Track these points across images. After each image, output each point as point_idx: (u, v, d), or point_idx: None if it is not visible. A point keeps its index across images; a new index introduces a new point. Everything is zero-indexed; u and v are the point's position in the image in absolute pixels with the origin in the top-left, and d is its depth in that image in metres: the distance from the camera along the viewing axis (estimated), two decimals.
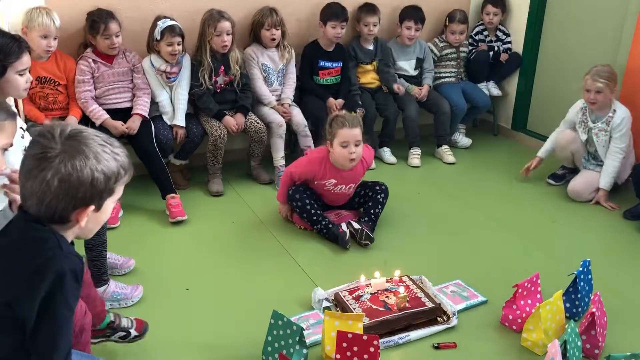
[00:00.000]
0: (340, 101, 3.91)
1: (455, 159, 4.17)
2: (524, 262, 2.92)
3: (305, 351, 2.17)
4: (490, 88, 4.51)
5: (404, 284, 2.59)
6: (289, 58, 3.83)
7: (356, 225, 3.08)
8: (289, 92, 3.85)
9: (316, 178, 3.13)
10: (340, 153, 3.01)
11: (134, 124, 3.31)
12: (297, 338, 2.10)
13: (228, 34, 3.53)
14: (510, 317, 2.43)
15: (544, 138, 4.37)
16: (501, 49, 4.48)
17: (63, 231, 1.43)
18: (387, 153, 4.19)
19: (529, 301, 2.44)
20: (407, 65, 4.25)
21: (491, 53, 4.45)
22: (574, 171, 3.76)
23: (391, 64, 4.19)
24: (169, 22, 3.38)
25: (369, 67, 4.14)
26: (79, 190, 1.35)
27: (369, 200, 3.24)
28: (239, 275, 2.79)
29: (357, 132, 2.99)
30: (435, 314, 2.46)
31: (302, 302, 2.57)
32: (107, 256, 2.63)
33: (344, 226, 3.11)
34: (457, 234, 3.22)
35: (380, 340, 2.12)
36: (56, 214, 1.38)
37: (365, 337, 2.05)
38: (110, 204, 1.47)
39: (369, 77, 4.17)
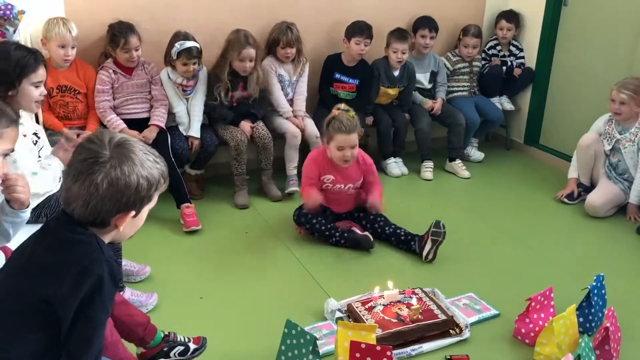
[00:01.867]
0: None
1: (469, 173, 4.18)
2: (537, 276, 2.92)
3: None
4: (503, 102, 4.53)
5: (417, 296, 2.60)
6: (301, 71, 3.87)
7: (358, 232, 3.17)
8: (300, 103, 3.87)
9: (319, 175, 3.17)
10: (335, 154, 3.08)
11: (150, 134, 3.36)
12: (311, 348, 2.11)
13: (251, 61, 3.56)
14: (523, 330, 2.43)
15: (556, 153, 4.41)
16: (514, 63, 4.50)
17: (101, 235, 1.49)
18: (393, 165, 4.18)
19: (542, 315, 2.44)
20: (422, 78, 4.27)
21: (504, 68, 4.47)
22: (589, 190, 3.73)
23: (414, 88, 4.22)
24: (187, 44, 3.39)
25: (390, 91, 4.14)
26: (124, 194, 1.42)
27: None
28: (252, 284, 2.81)
29: (353, 138, 3.04)
30: (448, 327, 2.47)
31: (315, 313, 2.58)
32: (122, 263, 2.67)
33: (358, 231, 3.15)
34: (470, 248, 3.22)
35: (393, 352, 2.13)
36: (99, 218, 1.43)
37: (378, 348, 2.06)
38: (146, 211, 1.54)
39: (385, 99, 4.19)
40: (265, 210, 3.59)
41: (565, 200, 3.78)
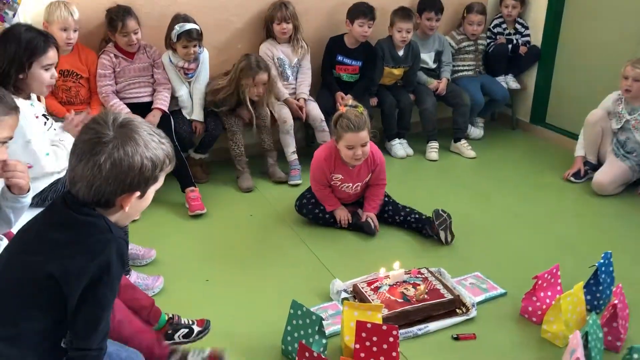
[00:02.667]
0: (349, 96, 3.75)
1: (475, 153, 4.15)
2: (543, 255, 2.90)
3: (324, 341, 2.18)
4: (508, 81, 4.48)
5: (423, 276, 2.60)
6: (303, 53, 3.82)
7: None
8: (304, 87, 3.84)
9: (329, 173, 3.08)
10: (345, 153, 2.95)
11: (153, 118, 3.35)
12: (317, 328, 2.11)
13: (264, 84, 3.52)
14: (530, 308, 2.42)
15: (563, 132, 4.36)
16: (520, 42, 4.45)
17: (107, 215, 1.48)
18: (398, 146, 4.15)
19: (549, 293, 2.43)
20: (427, 58, 4.21)
21: (510, 46, 4.41)
22: (596, 169, 3.69)
23: (418, 68, 4.16)
24: (187, 27, 3.35)
25: (395, 71, 4.08)
26: (128, 175, 1.41)
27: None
28: (257, 267, 2.81)
29: (363, 135, 2.88)
30: (454, 306, 2.46)
31: (321, 294, 2.58)
32: (129, 247, 2.67)
33: (363, 215, 3.12)
34: (477, 228, 3.20)
35: (399, 332, 2.12)
36: (103, 198, 1.42)
37: (384, 327, 2.06)
38: (152, 191, 1.53)
39: (390, 79, 4.13)
40: (270, 193, 3.58)
41: (572, 179, 3.74)
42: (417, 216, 3.12)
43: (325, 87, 3.95)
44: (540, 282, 2.40)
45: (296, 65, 3.83)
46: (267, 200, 3.49)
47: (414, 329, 2.35)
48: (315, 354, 1.93)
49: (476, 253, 2.95)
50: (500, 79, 4.45)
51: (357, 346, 2.08)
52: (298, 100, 3.80)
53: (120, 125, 1.42)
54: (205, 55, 3.57)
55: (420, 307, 2.40)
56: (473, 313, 2.44)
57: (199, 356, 1.99)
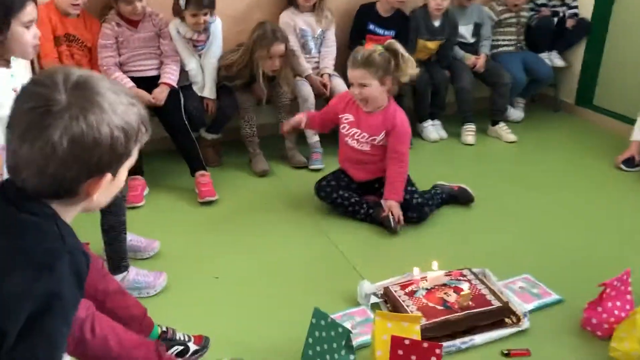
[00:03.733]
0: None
1: (515, 137, 3.75)
2: (605, 255, 2.52)
3: (352, 357, 1.84)
4: (553, 58, 4.06)
5: (465, 278, 2.24)
6: (327, 23, 3.44)
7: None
8: (329, 61, 3.47)
9: (337, 111, 2.82)
10: (350, 90, 2.76)
11: (161, 94, 3.00)
12: (344, 342, 1.77)
13: (281, 56, 3.17)
14: (594, 321, 2.05)
15: (613, 115, 3.95)
16: (567, 14, 4.01)
17: (67, 208, 1.10)
18: (430, 128, 3.77)
19: (618, 303, 2.05)
20: (465, 31, 3.81)
21: (555, 19, 3.98)
22: None
23: (455, 42, 3.76)
24: None
25: (430, 45, 3.68)
26: (94, 154, 1.02)
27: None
28: (274, 263, 2.47)
29: (355, 74, 2.63)
30: (504, 315, 2.10)
31: (347, 297, 2.23)
32: (129, 238, 2.35)
33: (385, 207, 2.73)
34: (522, 222, 2.82)
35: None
36: (62, 188, 1.05)
37: (425, 345, 1.71)
38: (125, 170, 1.13)
39: (424, 54, 3.72)
40: (289, 178, 3.23)
41: (622, 166, 3.33)
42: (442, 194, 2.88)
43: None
44: (608, 290, 2.03)
45: (320, 37, 3.45)
46: (285, 186, 3.14)
47: (457, 342, 1.99)
48: None
49: (523, 251, 2.58)
50: (544, 55, 4.03)
51: None
52: (322, 76, 3.42)
53: (76, 85, 1.02)
54: (217, 26, 3.20)
55: (465, 316, 2.04)
56: (525, 324, 2.07)
57: None
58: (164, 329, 1.85)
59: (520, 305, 2.14)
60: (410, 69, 2.65)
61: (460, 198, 2.93)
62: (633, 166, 3.34)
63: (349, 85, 3.27)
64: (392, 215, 2.68)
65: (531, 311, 2.14)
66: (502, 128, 3.78)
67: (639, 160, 3.33)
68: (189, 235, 2.67)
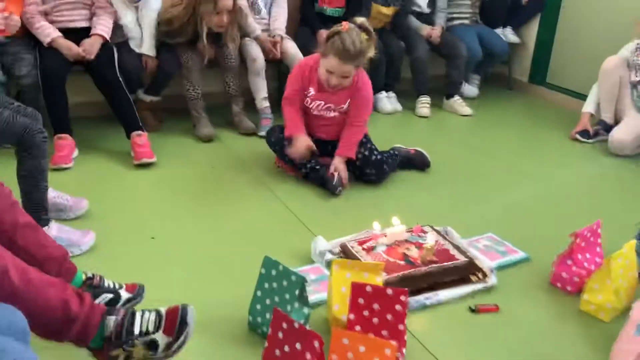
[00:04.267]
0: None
1: (471, 110, 3.63)
2: (566, 216, 2.41)
3: (306, 310, 1.62)
4: (507, 34, 4.00)
5: (427, 235, 2.07)
6: None
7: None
8: (280, 23, 3.27)
9: (304, 86, 2.55)
10: (322, 73, 2.47)
11: (92, 46, 2.71)
12: (297, 292, 1.56)
13: (229, 12, 2.92)
14: (565, 275, 1.91)
15: (567, 92, 3.91)
16: None
17: None
18: (385, 100, 3.61)
19: (588, 255, 1.93)
20: (421, 1, 3.69)
21: None
22: (609, 130, 3.21)
23: (410, 10, 3.62)
24: None
25: (384, 10, 3.52)
26: None
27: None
28: (219, 222, 2.24)
29: (347, 69, 2.40)
30: (469, 270, 1.94)
31: (299, 255, 2.02)
32: (52, 195, 2.08)
33: (332, 166, 2.56)
34: (481, 186, 2.70)
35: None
36: None
37: (389, 292, 1.52)
38: None
39: (378, 22, 3.54)
40: (236, 144, 3.00)
41: (579, 137, 3.27)
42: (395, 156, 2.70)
43: (305, 23, 3.37)
44: (578, 240, 1.90)
45: None
46: (232, 152, 2.91)
47: (421, 298, 1.81)
48: (296, 325, 1.38)
49: (485, 212, 2.44)
50: (498, 31, 3.96)
51: (352, 316, 1.54)
52: (273, 37, 3.21)
53: None
54: None
55: (428, 271, 1.87)
56: (492, 280, 1.92)
57: (152, 315, 1.40)
58: (90, 275, 1.58)
59: (486, 262, 1.99)
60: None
61: (417, 162, 2.79)
62: (588, 137, 3.28)
63: (305, 53, 3.10)
64: (337, 174, 2.51)
65: (498, 268, 1.99)
66: (457, 101, 3.67)
67: (594, 132, 3.28)
68: (123, 197, 2.41)
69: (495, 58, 3.93)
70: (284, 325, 1.41)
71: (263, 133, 3.03)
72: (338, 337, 1.37)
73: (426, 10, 3.72)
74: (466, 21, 3.87)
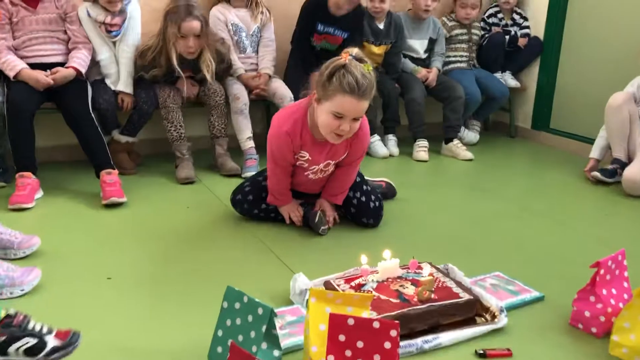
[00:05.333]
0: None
1: (472, 155, 3.41)
2: (583, 254, 2.12)
3: (277, 353, 1.34)
4: (506, 79, 3.83)
5: (428, 274, 1.79)
6: (264, 20, 3.10)
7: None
8: (268, 61, 3.10)
9: (295, 149, 2.14)
10: (326, 122, 1.99)
11: (58, 73, 2.55)
12: (264, 328, 1.28)
13: (196, 36, 2.72)
14: (587, 313, 1.62)
15: (571, 136, 3.72)
16: (519, 33, 3.83)
17: None
18: (377, 143, 3.37)
19: (614, 291, 1.64)
20: (418, 45, 3.54)
21: (507, 37, 3.79)
22: (624, 167, 2.97)
23: (402, 48, 3.48)
24: None
25: (375, 49, 3.36)
26: None
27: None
28: (185, 263, 1.98)
29: (363, 106, 1.97)
30: (475, 310, 1.65)
31: (277, 295, 1.75)
32: None
33: (317, 204, 2.33)
34: (487, 225, 2.44)
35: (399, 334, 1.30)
36: None
37: (376, 325, 1.24)
38: None
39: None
40: (218, 185, 2.76)
41: (598, 175, 2.99)
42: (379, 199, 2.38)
43: (296, 61, 3.16)
44: (602, 272, 1.62)
45: (256, 34, 3.10)
46: (212, 193, 2.67)
47: (419, 342, 1.52)
48: None
49: (492, 251, 2.17)
50: (497, 76, 3.80)
51: (332, 358, 1.25)
52: (261, 76, 3.04)
53: None
54: (135, 8, 2.82)
55: (426, 310, 1.58)
56: (503, 321, 1.63)
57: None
58: (11, 312, 1.31)
59: (494, 301, 1.70)
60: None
61: (389, 194, 2.62)
62: (609, 176, 3.00)
63: (297, 97, 2.87)
64: (323, 214, 2.26)
65: (508, 308, 1.70)
66: (456, 145, 3.45)
67: (612, 170, 3.02)
68: (84, 237, 2.15)
69: (495, 102, 3.74)
70: None
71: (248, 174, 2.80)
72: None
73: (422, 55, 3.57)
74: (463, 64, 3.72)
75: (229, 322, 1.34)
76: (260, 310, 1.29)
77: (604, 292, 1.62)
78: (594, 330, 1.61)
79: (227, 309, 1.35)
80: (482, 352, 1.50)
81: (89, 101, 2.58)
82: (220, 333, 1.35)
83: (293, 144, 2.11)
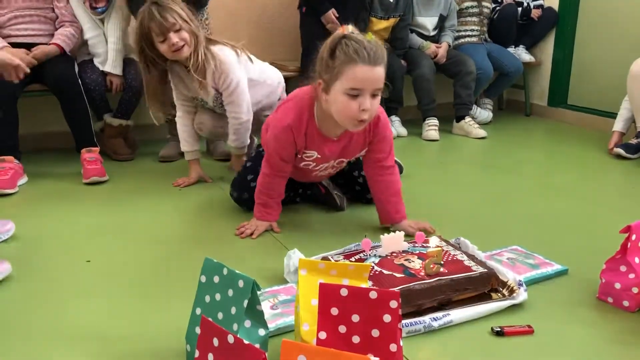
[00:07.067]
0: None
1: (485, 132, 3.22)
2: (607, 229, 1.92)
3: (262, 332, 1.17)
4: (520, 54, 3.64)
5: (435, 246, 1.62)
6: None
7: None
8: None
9: (298, 148, 1.86)
10: (342, 106, 1.67)
11: (40, 50, 2.43)
12: (247, 302, 1.12)
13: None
14: (618, 285, 1.43)
15: (591, 111, 3.51)
16: (531, 5, 3.63)
17: None
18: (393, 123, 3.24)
19: None
20: (428, 22, 3.37)
21: (519, 9, 3.59)
22: None
23: (409, 21, 3.31)
24: None
25: (384, 23, 3.19)
26: None
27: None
28: (171, 243, 1.83)
29: (379, 73, 1.65)
30: (490, 284, 1.47)
31: (270, 274, 1.59)
32: None
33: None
34: (504, 201, 2.26)
35: (401, 323, 1.13)
36: None
37: (374, 295, 1.07)
38: None
39: (377, 37, 3.20)
40: (211, 167, 2.58)
41: (621, 151, 2.80)
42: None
43: (311, 14, 2.97)
44: (635, 237, 1.43)
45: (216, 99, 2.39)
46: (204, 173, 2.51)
47: (426, 319, 1.35)
48: (230, 339, 0.93)
49: (508, 225, 1.99)
50: (510, 50, 3.61)
51: (323, 335, 1.08)
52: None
53: None
54: None
55: (435, 285, 1.41)
56: (522, 295, 1.45)
57: None
58: None
59: (512, 275, 1.52)
60: None
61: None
62: (633, 152, 2.81)
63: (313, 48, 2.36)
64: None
65: (528, 283, 1.52)
66: (468, 123, 3.26)
67: (637, 144, 2.82)
68: (64, 219, 2.01)
69: (508, 78, 3.54)
70: (215, 341, 0.97)
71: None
72: (290, 353, 0.91)
73: (432, 32, 3.39)
74: (474, 39, 3.53)
75: (207, 299, 1.18)
76: (241, 283, 1.13)
77: (637, 260, 1.43)
78: (626, 303, 1.42)
79: (206, 284, 1.19)
80: (499, 329, 1.32)
81: (75, 71, 2.45)
82: (198, 311, 1.19)
83: (296, 141, 1.82)
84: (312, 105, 1.80)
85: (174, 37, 2.13)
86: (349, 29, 1.71)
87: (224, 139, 2.46)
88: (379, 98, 1.71)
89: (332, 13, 2.93)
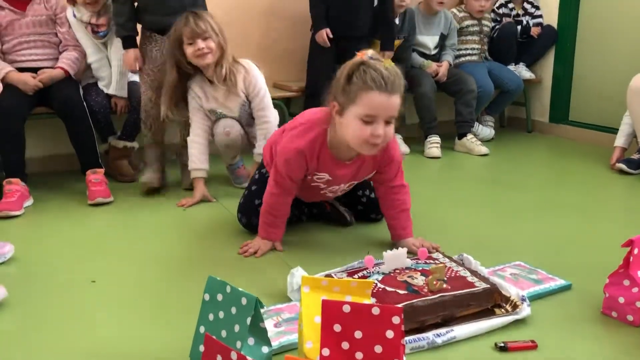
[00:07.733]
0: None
1: (488, 150, 3.24)
2: (608, 242, 1.91)
3: (266, 349, 1.18)
4: (520, 71, 3.66)
5: (437, 262, 1.62)
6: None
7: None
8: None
9: (309, 171, 1.87)
10: (356, 131, 1.68)
11: (45, 74, 2.46)
12: (250, 320, 1.13)
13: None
14: (622, 300, 1.44)
15: (593, 127, 3.52)
16: (531, 23, 3.67)
17: None
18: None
19: None
20: (429, 41, 3.39)
21: (519, 27, 3.62)
22: None
23: (413, 42, 3.35)
24: None
25: None
26: None
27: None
28: (173, 262, 1.84)
29: (395, 102, 1.67)
30: (493, 300, 1.48)
31: (273, 293, 1.59)
32: None
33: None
34: (507, 217, 2.26)
35: (404, 339, 1.14)
36: None
37: (376, 311, 1.07)
38: None
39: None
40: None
41: (623, 167, 2.81)
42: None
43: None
44: (637, 251, 1.43)
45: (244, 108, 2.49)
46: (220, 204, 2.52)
47: (429, 335, 1.35)
48: (234, 356, 0.94)
49: (511, 241, 2.00)
50: (511, 68, 3.64)
51: (326, 352, 1.09)
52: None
53: None
54: None
55: (438, 301, 1.41)
56: (525, 310, 1.45)
57: None
58: None
59: (515, 290, 1.53)
60: None
61: None
62: (635, 167, 2.82)
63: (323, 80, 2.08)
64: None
65: (531, 298, 1.52)
66: (470, 140, 3.27)
67: (638, 160, 2.84)
68: (68, 240, 2.02)
69: (509, 95, 3.56)
70: (219, 359, 0.97)
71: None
72: None
73: (433, 51, 3.42)
74: (475, 57, 3.56)
75: (211, 317, 1.19)
76: (244, 301, 1.14)
77: None
78: (630, 318, 1.42)
79: (209, 302, 1.20)
80: (502, 345, 1.32)
81: (80, 94, 2.49)
82: (202, 329, 1.20)
83: (308, 165, 1.83)
84: (326, 129, 1.81)
85: (200, 43, 2.31)
86: (369, 52, 1.73)
87: (239, 149, 2.55)
88: (392, 125, 1.72)
89: (325, 32, 2.97)
